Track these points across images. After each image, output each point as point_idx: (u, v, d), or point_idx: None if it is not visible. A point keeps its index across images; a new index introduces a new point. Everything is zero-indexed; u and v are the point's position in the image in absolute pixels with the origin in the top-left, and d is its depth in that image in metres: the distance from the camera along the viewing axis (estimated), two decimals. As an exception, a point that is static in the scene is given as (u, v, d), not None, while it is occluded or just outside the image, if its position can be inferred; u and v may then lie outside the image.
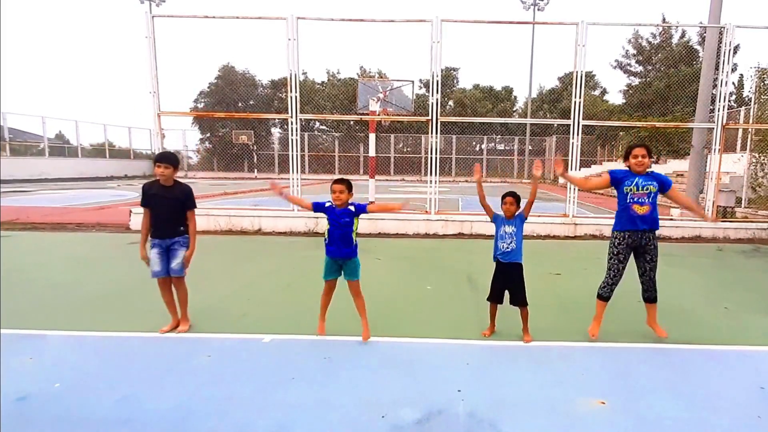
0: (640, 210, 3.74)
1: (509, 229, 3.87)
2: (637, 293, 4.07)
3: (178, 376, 3.28)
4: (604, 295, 3.96)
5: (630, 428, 2.72)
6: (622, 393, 3.13)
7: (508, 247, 3.87)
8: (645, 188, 3.72)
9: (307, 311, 4.63)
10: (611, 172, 3.89)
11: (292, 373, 3.34)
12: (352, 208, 3.78)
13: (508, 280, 3.93)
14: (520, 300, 3.93)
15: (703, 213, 3.82)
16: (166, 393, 3.05)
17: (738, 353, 3.85)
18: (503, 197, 3.90)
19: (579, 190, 3.96)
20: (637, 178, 3.76)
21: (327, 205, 3.79)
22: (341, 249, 3.79)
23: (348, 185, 3.79)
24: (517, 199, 3.89)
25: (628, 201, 3.77)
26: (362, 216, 3.85)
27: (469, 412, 2.86)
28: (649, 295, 3.95)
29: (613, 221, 3.98)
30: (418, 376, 3.34)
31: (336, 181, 3.79)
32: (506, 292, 3.99)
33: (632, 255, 3.91)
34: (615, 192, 3.92)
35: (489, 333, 4.08)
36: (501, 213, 3.95)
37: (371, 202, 10.56)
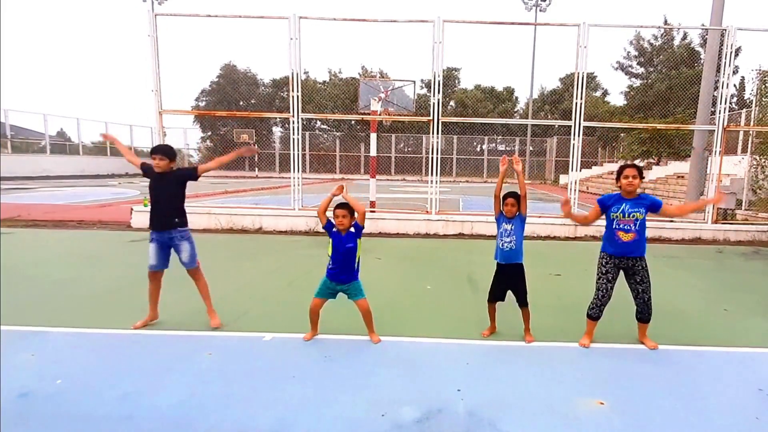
0: (625, 237, 3.70)
1: (509, 226, 3.89)
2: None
3: (180, 374, 3.29)
4: (593, 316, 3.91)
5: (628, 429, 2.73)
6: (621, 394, 3.14)
7: (508, 246, 3.88)
8: (631, 215, 3.67)
9: (307, 310, 4.64)
10: (599, 201, 3.87)
11: (292, 371, 3.36)
12: (353, 230, 3.79)
13: (510, 282, 3.96)
14: (522, 300, 3.96)
15: (703, 202, 3.81)
16: (168, 390, 3.06)
17: (737, 355, 3.86)
18: (504, 198, 3.92)
19: (579, 224, 3.92)
20: (624, 204, 3.70)
21: (334, 230, 3.78)
22: (341, 275, 3.78)
23: (350, 210, 3.75)
24: (517, 200, 3.90)
25: (613, 227, 3.74)
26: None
27: (468, 411, 2.88)
28: (642, 317, 3.91)
29: None
30: (418, 375, 3.35)
31: (339, 206, 3.74)
32: (509, 293, 4.02)
33: (623, 275, 3.87)
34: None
35: (489, 333, 4.10)
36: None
37: (371, 202, 10.57)
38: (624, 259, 3.77)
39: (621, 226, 3.71)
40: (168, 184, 4.01)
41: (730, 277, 6.57)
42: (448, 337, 4.05)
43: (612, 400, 3.04)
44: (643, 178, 3.77)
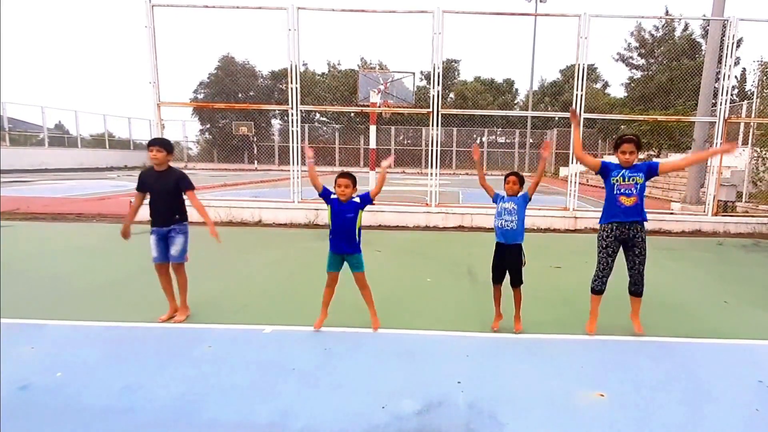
0: (627, 201, 3.75)
1: (509, 205, 3.83)
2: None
3: (180, 366, 3.29)
4: (596, 289, 3.96)
5: (629, 421, 2.74)
6: (622, 386, 3.15)
7: (508, 225, 3.82)
8: (631, 179, 3.74)
9: (307, 302, 4.64)
10: (603, 162, 3.91)
11: (292, 363, 3.36)
12: (357, 199, 3.78)
13: (507, 260, 3.91)
14: (516, 280, 3.93)
15: (708, 152, 3.84)
16: (168, 383, 3.06)
17: (737, 347, 3.86)
18: (506, 177, 3.90)
19: (575, 157, 3.93)
20: (623, 170, 3.78)
21: (333, 196, 3.78)
22: (343, 244, 3.79)
23: (353, 180, 3.77)
24: (520, 179, 3.88)
25: (615, 192, 3.79)
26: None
27: (468, 403, 2.88)
28: (636, 289, 3.95)
29: None
30: (419, 367, 3.35)
31: (341, 175, 3.76)
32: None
33: (622, 248, 3.90)
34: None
35: (497, 324, 4.05)
36: (502, 192, 3.96)
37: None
38: (625, 227, 3.77)
39: (622, 190, 3.76)
40: (167, 182, 3.99)
41: (730, 270, 6.57)
42: (448, 329, 4.05)
43: (612, 393, 3.04)
44: (641, 148, 3.79)
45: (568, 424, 2.69)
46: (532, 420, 2.72)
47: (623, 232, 3.80)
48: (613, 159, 4.01)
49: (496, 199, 3.98)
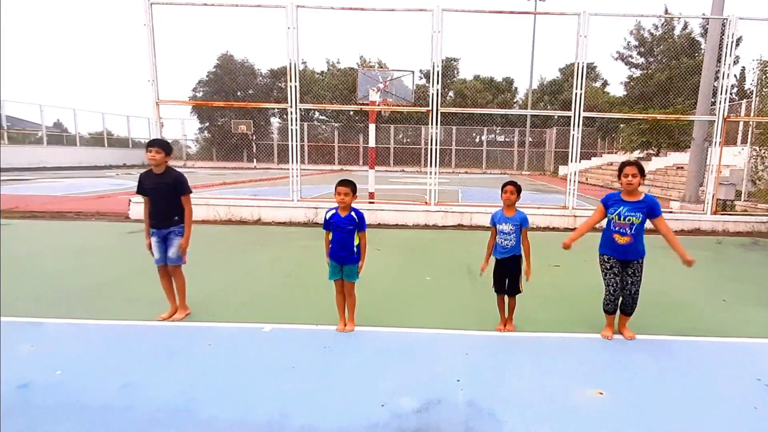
0: (621, 240, 3.69)
1: (507, 227, 3.86)
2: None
3: (179, 364, 3.29)
4: (609, 311, 3.91)
5: (627, 418, 2.75)
6: (620, 384, 3.15)
7: (509, 244, 3.88)
8: (627, 219, 3.64)
9: (306, 301, 4.65)
10: (602, 201, 3.87)
11: (291, 361, 3.36)
12: (354, 216, 3.76)
13: (506, 270, 3.95)
14: (513, 289, 3.96)
15: (687, 258, 3.72)
16: (167, 381, 3.06)
17: (735, 345, 3.87)
18: (503, 186, 3.89)
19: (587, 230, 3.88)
20: (621, 207, 3.68)
21: (329, 216, 3.78)
22: (341, 254, 3.79)
23: (353, 188, 3.76)
24: (517, 188, 3.88)
25: (610, 228, 3.74)
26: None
27: (468, 401, 2.88)
28: (626, 309, 3.88)
29: None
30: (418, 365, 3.36)
31: (341, 183, 3.74)
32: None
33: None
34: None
35: (504, 326, 4.05)
36: (499, 209, 3.97)
37: (370, 193, 10.54)
38: (621, 261, 3.77)
39: (617, 228, 3.70)
40: (165, 185, 3.98)
41: (729, 268, 6.58)
42: (448, 327, 4.06)
43: (611, 390, 3.05)
44: (645, 176, 3.74)
45: (567, 421, 2.70)
46: (531, 418, 2.73)
47: (619, 261, 3.78)
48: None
49: (493, 222, 3.97)
